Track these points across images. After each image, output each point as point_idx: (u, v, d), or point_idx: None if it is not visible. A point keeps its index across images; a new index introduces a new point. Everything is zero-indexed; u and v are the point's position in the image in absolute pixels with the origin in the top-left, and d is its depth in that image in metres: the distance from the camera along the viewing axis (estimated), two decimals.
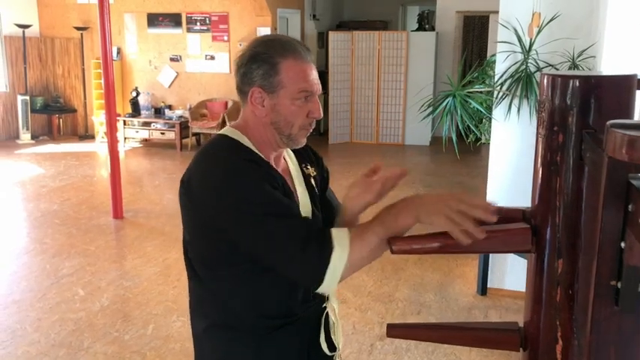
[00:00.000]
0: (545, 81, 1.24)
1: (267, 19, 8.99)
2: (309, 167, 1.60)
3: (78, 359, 3.26)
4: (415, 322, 1.42)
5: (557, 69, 3.44)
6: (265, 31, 9.03)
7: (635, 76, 1.19)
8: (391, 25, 11.85)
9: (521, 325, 1.41)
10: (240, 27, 9.11)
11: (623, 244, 0.74)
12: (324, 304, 1.58)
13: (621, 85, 1.17)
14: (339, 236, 1.28)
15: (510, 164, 3.82)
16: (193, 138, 9.33)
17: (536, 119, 3.96)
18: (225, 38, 9.22)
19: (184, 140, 9.18)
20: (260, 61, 1.39)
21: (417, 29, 10.60)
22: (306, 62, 1.42)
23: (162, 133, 9.23)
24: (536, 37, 3.40)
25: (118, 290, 4.14)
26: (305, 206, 1.51)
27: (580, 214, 1.21)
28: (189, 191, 1.40)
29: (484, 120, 4.55)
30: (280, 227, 1.30)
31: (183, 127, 9.13)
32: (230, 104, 9.18)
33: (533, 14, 3.38)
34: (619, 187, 0.74)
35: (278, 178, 1.43)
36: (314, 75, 1.44)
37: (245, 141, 1.44)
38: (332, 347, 1.59)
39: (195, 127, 9.11)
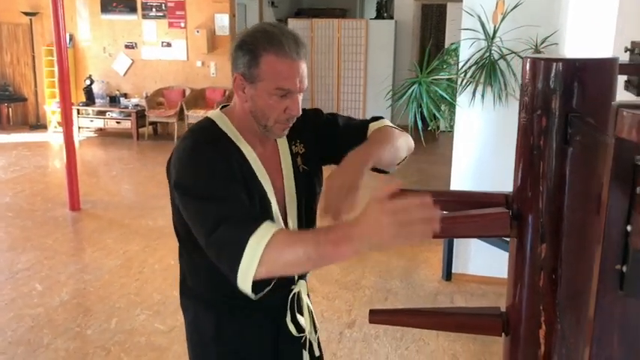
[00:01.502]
0: (528, 64, 1.23)
1: (225, 6, 8.84)
2: (297, 144, 1.59)
3: (38, 356, 3.15)
4: (397, 308, 1.40)
5: (520, 56, 3.48)
6: (223, 18, 8.88)
7: (617, 59, 1.19)
8: (350, 13, 11.83)
9: (502, 310, 1.42)
10: (197, 13, 8.93)
11: (629, 228, 0.73)
12: (293, 287, 1.61)
13: (604, 68, 1.17)
14: (261, 234, 1.21)
15: (475, 150, 3.86)
16: (150, 127, 9.13)
17: (497, 105, 3.99)
18: (183, 25, 9.02)
19: (141, 129, 8.98)
20: (245, 50, 1.40)
21: (376, 17, 10.61)
22: (290, 59, 1.39)
23: (118, 123, 9.00)
24: (500, 24, 3.42)
25: (78, 284, 4.02)
26: (289, 188, 1.55)
27: (563, 198, 1.21)
28: (167, 168, 1.48)
29: (442, 108, 4.58)
30: (208, 209, 1.30)
31: (140, 116, 8.92)
32: (188, 92, 9.00)
33: (497, 1, 3.41)
34: (626, 170, 0.73)
35: (237, 164, 1.44)
36: (298, 73, 1.41)
37: (226, 124, 1.48)
38: (301, 329, 1.63)
39: (152, 116, 8.91)
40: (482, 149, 3.82)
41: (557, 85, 1.18)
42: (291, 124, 1.48)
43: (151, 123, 9.09)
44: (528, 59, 1.25)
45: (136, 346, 3.26)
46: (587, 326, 0.82)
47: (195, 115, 8.61)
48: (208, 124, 1.50)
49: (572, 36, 3.11)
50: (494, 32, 3.50)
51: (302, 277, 1.65)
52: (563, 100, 1.17)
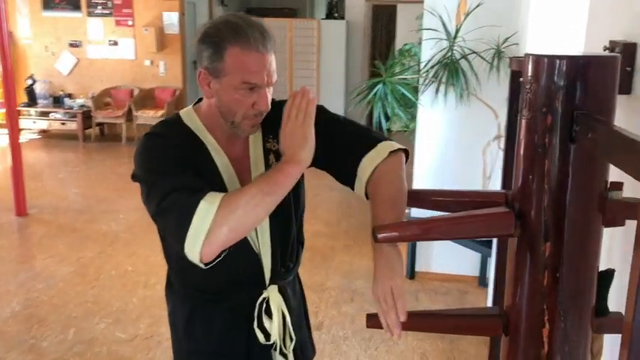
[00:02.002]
0: (530, 62, 1.23)
1: (174, 4, 8.64)
2: (271, 139, 1.50)
3: None
4: None
5: (482, 56, 3.53)
6: (172, 16, 8.68)
7: (618, 57, 1.20)
8: (299, 13, 11.78)
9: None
10: (145, 11, 8.69)
11: None
12: (263, 291, 1.55)
13: (607, 65, 1.17)
14: (211, 197, 1.22)
15: (437, 149, 3.89)
16: (97, 128, 8.83)
17: (459, 104, 4.01)
18: (130, 23, 8.76)
19: (87, 131, 8.67)
20: (208, 43, 1.34)
21: (327, 18, 10.61)
22: (257, 52, 1.31)
23: (63, 124, 8.66)
24: (462, 23, 3.46)
25: (30, 293, 3.82)
26: None
27: (566, 196, 1.21)
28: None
29: (396, 109, 4.61)
30: (159, 184, 1.29)
31: (86, 116, 8.60)
32: (136, 92, 8.75)
33: (460, 1, 3.44)
34: None
35: (199, 157, 1.42)
36: (265, 66, 1.33)
37: (192, 119, 1.45)
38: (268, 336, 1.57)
39: (99, 117, 8.62)
40: (445, 148, 3.85)
41: (562, 82, 1.17)
42: (260, 120, 1.41)
43: (98, 124, 8.79)
44: (530, 56, 1.24)
45: (97, 356, 3.11)
46: (625, 329, 0.80)
47: (144, 116, 8.38)
48: (173, 119, 1.47)
49: (533, 36, 3.17)
50: (456, 32, 3.54)
51: (274, 281, 1.57)
52: (568, 97, 1.17)
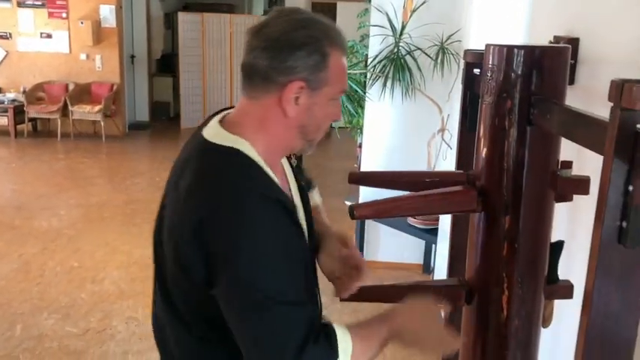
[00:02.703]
0: (491, 51, 1.35)
1: None
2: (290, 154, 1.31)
3: None
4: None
5: (426, 53, 3.68)
6: (109, 9, 8.47)
7: (569, 47, 1.33)
8: (237, 9, 11.74)
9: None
10: (80, 3, 8.44)
11: (631, 188, 0.83)
12: None
13: (560, 55, 1.30)
14: (344, 347, 1.07)
15: (384, 142, 4.02)
16: (30, 124, 8.51)
17: (405, 99, 4.17)
18: (64, 15, 8.48)
19: (19, 126, 8.34)
20: (312, 49, 1.06)
21: (266, 13, 10.63)
22: (345, 54, 1.15)
23: None
24: (408, 20, 3.60)
25: None
26: (298, 204, 1.26)
27: (523, 174, 1.34)
28: (201, 234, 1.02)
29: (346, 103, 4.73)
30: (281, 317, 1.01)
31: (18, 111, 8.27)
32: (72, 87, 8.49)
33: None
34: (628, 137, 0.83)
35: (292, 211, 1.12)
36: None
37: (251, 152, 1.09)
38: None
39: (32, 112, 8.30)
40: (392, 140, 3.99)
41: (520, 70, 1.29)
42: None
43: (31, 119, 8.47)
44: (491, 46, 1.36)
45: (48, 351, 3.06)
46: (588, 277, 0.92)
47: (80, 111, 8.15)
48: (249, 163, 1.08)
49: (475, 33, 3.34)
50: (402, 29, 3.68)
51: None
52: (525, 83, 1.29)
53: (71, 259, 4.20)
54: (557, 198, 1.38)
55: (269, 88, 1.08)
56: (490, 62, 1.34)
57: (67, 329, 3.27)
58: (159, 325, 1.29)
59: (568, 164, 1.37)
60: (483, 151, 1.39)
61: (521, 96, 1.29)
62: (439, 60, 3.60)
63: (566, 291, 1.48)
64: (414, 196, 1.41)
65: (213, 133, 1.13)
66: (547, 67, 1.28)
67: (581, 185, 1.35)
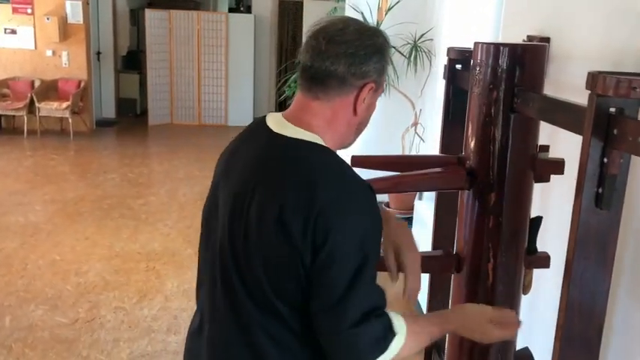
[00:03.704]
0: (480, 48, 1.54)
1: None
2: None
3: None
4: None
5: (400, 52, 3.87)
6: (75, 5, 8.41)
7: (546, 45, 1.53)
8: (203, 5, 11.76)
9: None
10: None
11: (606, 160, 1.02)
12: None
13: (538, 52, 1.50)
14: (399, 325, 1.16)
15: (360, 137, 4.19)
16: None
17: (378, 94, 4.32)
18: (29, 11, 8.38)
19: None
20: (381, 55, 1.20)
21: (234, 11, 10.71)
22: None
23: None
24: (383, 19, 3.78)
25: None
26: None
27: (507, 156, 1.53)
28: (328, 219, 1.08)
29: None
30: (363, 292, 1.11)
31: None
32: (38, 83, 8.40)
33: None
34: (603, 118, 1.02)
35: None
36: None
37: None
38: None
39: None
40: (368, 135, 4.17)
41: (505, 64, 1.48)
42: None
43: None
44: (480, 44, 1.55)
45: (40, 340, 3.13)
46: (570, 237, 1.10)
47: (47, 108, 8.08)
48: (339, 158, 1.18)
49: (448, 32, 3.55)
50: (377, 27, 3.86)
51: None
52: (509, 76, 1.49)
53: (52, 252, 4.25)
54: (536, 178, 1.58)
55: (344, 90, 1.18)
56: (479, 58, 1.53)
57: (56, 319, 3.34)
58: (216, 319, 1.25)
59: (545, 148, 1.57)
60: (472, 136, 1.58)
61: (506, 87, 1.48)
62: (412, 58, 3.80)
63: (544, 261, 1.68)
64: (412, 175, 1.59)
65: (293, 131, 1.19)
66: (528, 62, 1.48)
67: (557, 166, 1.55)
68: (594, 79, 1.03)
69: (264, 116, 1.28)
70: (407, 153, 3.99)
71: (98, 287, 3.76)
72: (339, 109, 1.20)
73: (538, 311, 1.99)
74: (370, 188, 1.16)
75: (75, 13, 8.48)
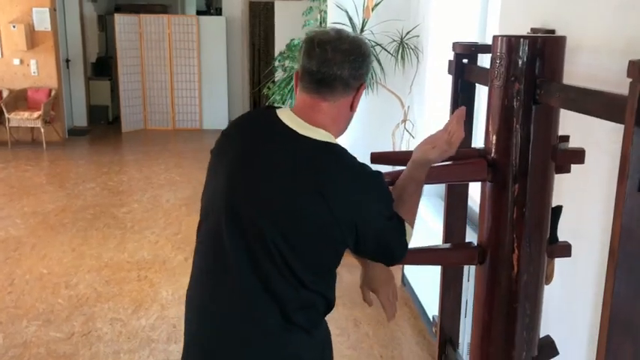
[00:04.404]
0: (499, 41, 1.54)
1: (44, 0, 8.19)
2: None
3: None
4: None
5: (386, 49, 3.88)
6: (42, 12, 8.22)
7: (564, 37, 1.54)
8: (171, 9, 11.62)
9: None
10: (11, 6, 8.14)
11: None
12: None
13: (557, 43, 1.52)
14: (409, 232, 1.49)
15: (351, 133, 4.19)
16: None
17: (368, 94, 4.36)
18: None
19: None
20: (370, 59, 1.44)
21: (205, 13, 10.61)
22: None
23: None
24: (370, 17, 3.79)
25: None
26: None
27: (529, 147, 1.54)
28: (333, 199, 1.32)
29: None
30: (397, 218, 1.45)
31: None
32: (6, 94, 8.18)
33: None
34: None
35: None
36: None
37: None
38: None
39: None
40: (358, 132, 4.16)
41: (526, 57, 1.49)
42: None
43: None
44: (499, 37, 1.56)
45: (37, 357, 3.05)
46: (615, 223, 1.12)
47: (17, 118, 7.88)
48: (344, 149, 1.41)
49: (435, 28, 3.57)
50: (363, 25, 3.86)
51: None
52: (530, 69, 1.50)
53: (39, 266, 4.14)
54: (557, 169, 1.60)
55: (347, 91, 1.40)
56: (498, 51, 1.54)
57: (51, 334, 3.26)
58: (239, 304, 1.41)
59: (565, 138, 1.59)
60: (493, 129, 1.59)
61: (527, 79, 1.49)
62: (399, 55, 3.81)
63: (565, 250, 1.70)
64: (435, 166, 1.59)
65: (316, 134, 1.38)
66: (548, 53, 1.49)
67: (577, 156, 1.56)
68: (634, 67, 1.04)
69: (270, 109, 1.47)
70: (397, 148, 4.00)
71: (91, 299, 3.68)
72: (342, 108, 1.42)
73: (553, 301, 2.02)
74: (380, 173, 1.43)
75: (42, 21, 8.28)
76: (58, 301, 3.65)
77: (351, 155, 1.39)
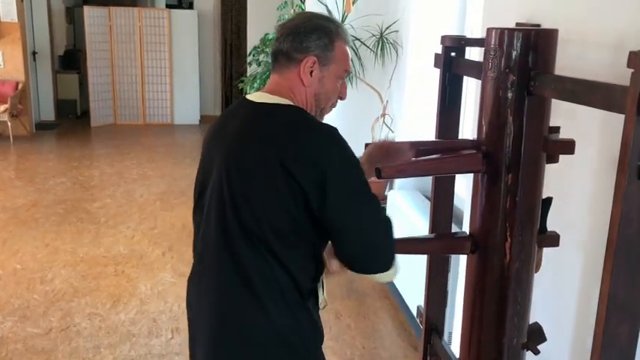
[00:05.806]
0: (493, 34, 1.57)
1: None
2: None
3: None
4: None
5: (366, 45, 3.91)
6: (9, 2, 8.01)
7: (557, 30, 1.58)
8: (140, 2, 11.45)
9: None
10: None
11: None
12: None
13: (550, 36, 1.55)
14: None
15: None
16: None
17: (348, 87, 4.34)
18: None
19: None
20: (322, 34, 1.45)
21: (176, 7, 10.48)
22: (349, 47, 1.55)
23: None
24: (350, 11, 3.80)
25: None
26: None
27: (522, 138, 1.58)
28: (302, 165, 1.34)
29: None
30: (374, 209, 1.44)
31: None
32: None
33: None
34: None
35: None
36: None
37: None
38: None
39: None
40: (338, 126, 4.19)
41: (519, 49, 1.53)
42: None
43: None
44: (493, 30, 1.59)
45: (15, 353, 2.98)
46: (615, 209, 1.15)
47: None
48: (301, 109, 1.45)
49: (415, 24, 3.61)
50: (343, 20, 3.88)
51: None
52: (524, 61, 1.53)
53: (12, 261, 4.05)
54: (548, 159, 1.64)
55: (291, 64, 1.45)
56: (492, 43, 1.57)
57: (28, 330, 3.20)
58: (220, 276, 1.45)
59: (555, 129, 1.63)
60: (486, 120, 1.62)
61: (521, 71, 1.53)
62: (379, 49, 3.84)
63: (554, 240, 1.74)
64: (432, 159, 1.62)
65: (270, 99, 1.46)
66: (541, 46, 1.53)
67: (567, 146, 1.61)
68: (636, 58, 1.08)
69: (244, 97, 1.55)
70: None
71: (67, 294, 3.62)
72: (292, 81, 1.46)
73: (539, 289, 2.07)
74: (335, 129, 1.44)
75: (8, 11, 8.08)
76: (33, 296, 3.58)
77: (307, 113, 1.44)
